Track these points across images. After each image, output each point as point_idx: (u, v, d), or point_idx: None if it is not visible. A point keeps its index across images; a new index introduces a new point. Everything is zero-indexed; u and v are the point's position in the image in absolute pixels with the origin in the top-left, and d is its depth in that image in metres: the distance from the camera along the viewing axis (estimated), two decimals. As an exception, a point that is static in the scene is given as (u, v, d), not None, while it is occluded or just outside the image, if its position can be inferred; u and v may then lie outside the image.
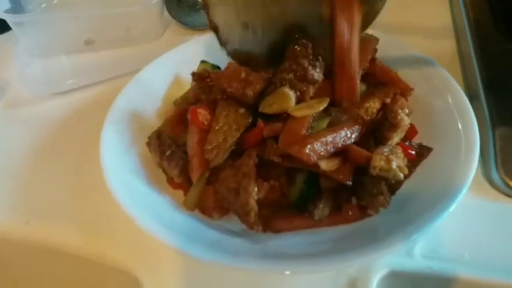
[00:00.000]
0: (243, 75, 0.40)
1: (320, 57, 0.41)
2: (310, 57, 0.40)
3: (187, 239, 0.35)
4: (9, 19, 0.60)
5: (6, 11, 0.62)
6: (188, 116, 0.43)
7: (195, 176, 0.40)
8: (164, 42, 0.66)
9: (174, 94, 0.51)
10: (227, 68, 0.42)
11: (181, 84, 0.52)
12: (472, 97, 0.49)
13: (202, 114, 0.42)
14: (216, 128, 0.40)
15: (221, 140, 0.39)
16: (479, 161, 0.43)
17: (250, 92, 0.40)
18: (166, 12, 0.67)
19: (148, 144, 0.44)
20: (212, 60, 0.52)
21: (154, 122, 0.48)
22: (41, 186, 0.47)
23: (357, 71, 0.40)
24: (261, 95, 0.41)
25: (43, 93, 0.57)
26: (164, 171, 0.43)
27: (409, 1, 0.68)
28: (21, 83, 0.59)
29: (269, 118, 0.41)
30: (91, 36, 0.65)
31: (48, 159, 0.49)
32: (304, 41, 0.41)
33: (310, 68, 0.40)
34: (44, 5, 0.71)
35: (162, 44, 0.65)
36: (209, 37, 0.55)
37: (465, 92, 0.49)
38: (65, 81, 0.58)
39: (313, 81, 0.39)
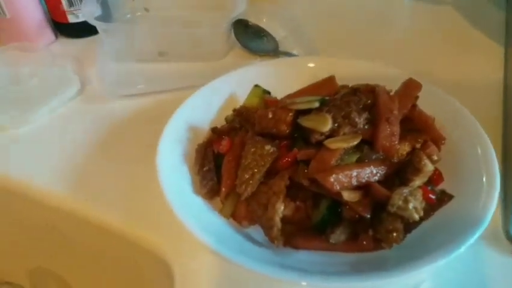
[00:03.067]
0: (270, 115, 0.46)
1: (367, 113, 0.45)
2: (361, 106, 0.45)
3: (220, 241, 0.40)
4: (98, 25, 0.69)
5: (97, 17, 0.72)
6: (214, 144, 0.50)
7: (222, 195, 0.46)
8: (227, 62, 0.72)
9: (227, 110, 0.56)
10: (256, 113, 0.48)
11: (235, 102, 0.58)
12: (506, 159, 0.50)
13: (223, 144, 0.49)
14: (245, 163, 0.45)
15: (249, 176, 0.44)
16: (500, 213, 0.45)
17: (283, 127, 0.45)
18: (232, 35, 0.73)
19: (197, 151, 0.50)
20: (265, 85, 0.58)
21: (207, 131, 0.54)
22: (101, 172, 0.54)
23: (398, 130, 0.44)
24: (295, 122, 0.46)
25: (115, 94, 0.65)
26: (199, 180, 0.49)
27: (459, 51, 0.71)
28: (99, 82, 0.68)
29: (303, 146, 0.45)
30: (165, 49, 0.73)
31: (111, 151, 0.57)
32: (361, 96, 0.46)
33: (356, 113, 0.44)
34: (128, 15, 0.81)
35: (225, 64, 0.72)
36: (266, 64, 0.61)
37: (502, 148, 0.52)
38: (136, 86, 0.66)
39: (352, 124, 0.44)
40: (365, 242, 0.42)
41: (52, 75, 0.68)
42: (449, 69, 0.67)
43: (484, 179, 0.44)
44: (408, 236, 0.41)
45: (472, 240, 0.38)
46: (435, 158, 0.45)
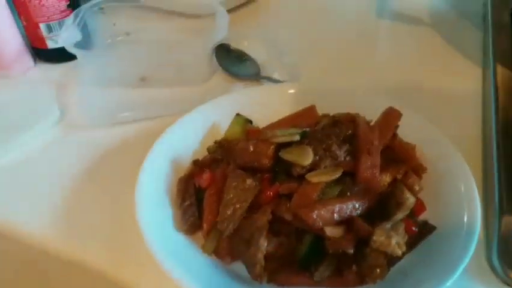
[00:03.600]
0: (251, 148, 0.45)
1: (348, 145, 0.45)
2: (341, 138, 0.45)
3: (200, 279, 0.40)
4: (77, 53, 0.68)
5: (77, 43, 0.71)
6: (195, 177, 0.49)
7: (204, 231, 0.46)
8: (210, 86, 0.72)
9: (209, 140, 0.56)
10: (237, 146, 0.47)
11: (217, 131, 0.57)
12: (487, 181, 0.51)
13: (204, 178, 0.48)
14: (227, 199, 0.44)
15: (231, 212, 0.43)
16: (483, 244, 0.45)
17: (265, 160, 0.45)
18: (214, 59, 0.73)
19: (178, 184, 0.50)
20: (247, 112, 0.57)
21: (188, 163, 0.54)
22: (83, 207, 0.53)
23: (378, 161, 0.44)
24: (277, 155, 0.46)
25: (96, 122, 0.64)
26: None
27: (439, 73, 0.72)
28: (79, 110, 0.67)
29: (285, 179, 0.45)
30: (146, 74, 0.72)
31: (92, 184, 0.56)
32: (342, 127, 0.46)
33: (336, 146, 0.44)
34: (109, 40, 0.80)
35: (208, 88, 0.71)
36: (247, 92, 0.61)
37: (482, 174, 0.52)
38: (119, 113, 0.65)
39: (333, 156, 0.44)
40: (349, 278, 0.41)
41: (31, 103, 0.67)
42: (429, 91, 0.68)
43: (465, 208, 0.44)
44: (392, 269, 0.41)
45: (456, 275, 0.38)
46: (416, 188, 0.45)
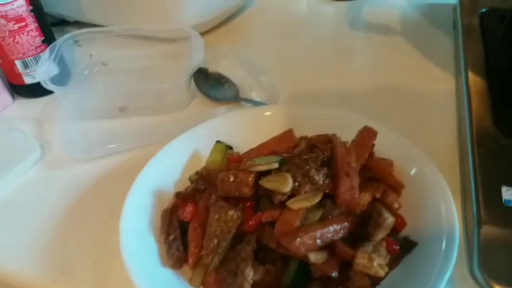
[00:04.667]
0: (231, 178, 0.46)
1: (326, 168, 0.46)
2: (319, 163, 0.46)
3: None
4: (54, 89, 0.68)
5: (54, 76, 0.71)
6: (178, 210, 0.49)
7: (190, 265, 0.46)
8: (190, 112, 0.73)
9: (191, 169, 0.56)
10: (217, 176, 0.47)
11: (198, 159, 0.58)
12: (465, 192, 0.52)
13: (186, 211, 0.49)
14: (210, 231, 0.45)
15: (215, 245, 0.44)
16: (465, 256, 0.46)
17: (245, 189, 0.46)
18: (193, 84, 0.74)
19: (162, 217, 0.50)
20: (227, 138, 0.58)
21: (171, 195, 0.54)
22: (68, 245, 0.53)
23: (357, 182, 0.45)
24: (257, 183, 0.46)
25: (79, 157, 0.64)
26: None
27: (413, 84, 0.73)
28: (60, 145, 0.67)
29: (268, 205, 0.46)
30: (125, 103, 0.72)
31: (77, 221, 0.56)
32: (319, 152, 0.47)
33: (314, 171, 0.45)
34: (87, 71, 0.80)
35: (188, 114, 0.72)
36: (226, 118, 0.62)
37: (460, 185, 0.53)
38: (100, 147, 0.65)
39: (312, 182, 0.44)
40: (336, 300, 0.42)
41: (10, 142, 0.67)
42: (404, 101, 0.69)
43: (444, 221, 0.45)
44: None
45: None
46: (396, 206, 0.46)
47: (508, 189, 0.50)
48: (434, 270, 0.41)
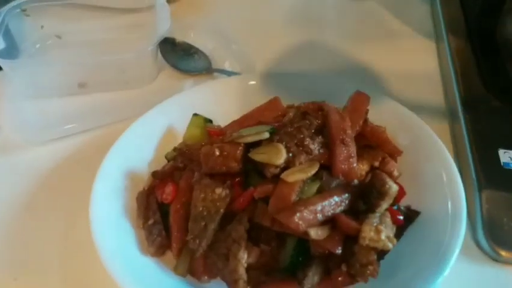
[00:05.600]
0: (217, 152, 0.41)
1: (320, 136, 0.42)
2: (313, 130, 0.41)
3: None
4: (2, 64, 0.61)
5: (1, 51, 0.63)
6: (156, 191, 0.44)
7: (174, 252, 0.41)
8: (157, 86, 0.66)
9: (166, 146, 0.51)
10: (200, 151, 0.42)
11: (173, 135, 0.52)
12: (459, 159, 0.50)
13: (166, 192, 0.43)
14: (195, 213, 0.40)
15: (202, 228, 0.39)
16: (467, 223, 0.43)
17: (233, 164, 0.41)
18: (159, 56, 0.68)
19: (137, 200, 0.45)
20: (205, 111, 0.53)
21: (146, 175, 0.48)
22: (30, 239, 0.46)
23: (354, 150, 0.41)
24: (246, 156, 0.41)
25: (35, 140, 0.57)
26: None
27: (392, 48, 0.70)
28: (12, 128, 0.59)
29: (259, 180, 0.41)
30: (85, 79, 0.65)
31: (38, 211, 0.49)
32: (311, 119, 0.42)
33: (309, 139, 0.40)
34: (38, 45, 0.72)
35: (156, 88, 0.66)
36: (203, 88, 0.56)
37: (453, 153, 0.51)
38: (58, 127, 0.58)
39: (307, 152, 0.40)
40: (340, 278, 0.38)
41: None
42: (385, 69, 0.66)
43: (447, 189, 0.42)
44: (382, 264, 0.38)
45: (450, 264, 0.36)
46: (396, 174, 0.43)
47: (505, 152, 0.48)
48: (443, 240, 0.38)
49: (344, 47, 0.71)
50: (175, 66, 0.68)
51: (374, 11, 0.79)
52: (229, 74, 0.65)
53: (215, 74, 0.66)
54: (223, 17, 0.79)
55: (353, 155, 0.41)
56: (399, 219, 0.41)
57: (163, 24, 0.65)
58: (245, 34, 0.74)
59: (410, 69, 0.66)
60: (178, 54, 0.69)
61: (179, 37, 0.70)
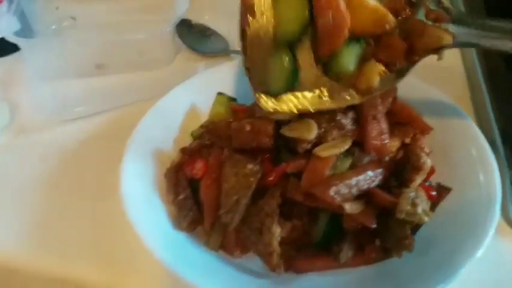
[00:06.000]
0: (247, 128, 0.41)
1: (353, 111, 0.41)
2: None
3: (211, 278, 0.35)
4: (20, 42, 0.60)
5: (16, 33, 0.62)
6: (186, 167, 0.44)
7: (207, 226, 0.41)
8: (175, 67, 0.66)
9: (190, 125, 0.50)
10: (231, 127, 0.42)
11: (197, 114, 0.52)
12: (487, 136, 0.49)
13: (197, 168, 0.43)
14: (228, 188, 0.40)
15: (234, 202, 0.39)
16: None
17: (265, 140, 0.40)
18: (177, 38, 0.67)
19: (166, 177, 0.44)
20: (227, 90, 0.52)
21: (172, 152, 0.48)
22: (56, 216, 0.46)
23: (386, 126, 0.41)
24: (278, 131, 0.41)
25: (54, 119, 0.57)
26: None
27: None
28: (32, 108, 0.58)
29: (289, 156, 0.41)
30: (102, 60, 0.64)
31: (63, 188, 0.49)
32: None
33: (341, 114, 0.40)
34: (54, 26, 0.71)
35: (173, 70, 0.65)
36: (226, 68, 0.56)
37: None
38: (77, 107, 0.58)
39: (340, 126, 0.40)
40: (372, 254, 0.38)
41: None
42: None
43: (478, 167, 0.42)
44: (416, 240, 0.38)
45: (486, 241, 0.36)
46: (427, 150, 0.43)
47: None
48: (478, 217, 0.38)
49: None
50: (193, 48, 0.67)
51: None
52: (247, 55, 0.64)
53: (232, 55, 0.65)
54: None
55: (385, 131, 0.41)
56: (433, 194, 0.40)
57: (182, 5, 0.64)
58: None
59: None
60: (195, 36, 0.69)
61: (194, 19, 0.70)
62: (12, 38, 0.58)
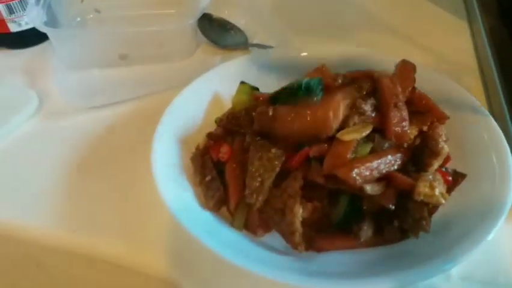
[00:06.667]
0: (271, 112, 0.43)
1: (373, 98, 0.43)
2: (364, 93, 0.43)
3: (241, 254, 0.37)
4: (50, 32, 0.62)
5: (44, 24, 0.64)
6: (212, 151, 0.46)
7: (232, 206, 0.43)
8: (196, 60, 0.68)
9: (214, 112, 0.52)
10: (256, 112, 0.45)
11: (220, 102, 0.54)
12: (500, 125, 0.51)
13: (223, 151, 0.46)
14: (253, 170, 0.42)
15: (259, 184, 0.41)
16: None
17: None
18: (198, 31, 0.69)
19: (193, 160, 0.46)
20: (249, 80, 0.54)
21: (197, 138, 0.50)
22: (84, 195, 0.48)
23: (407, 115, 0.42)
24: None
25: (81, 107, 0.59)
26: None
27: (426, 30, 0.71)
28: (59, 96, 0.61)
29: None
30: (125, 51, 0.67)
31: (91, 169, 0.51)
32: (361, 83, 0.44)
33: (362, 101, 0.42)
34: (79, 19, 0.73)
35: (194, 62, 0.67)
36: (248, 59, 0.58)
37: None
38: (102, 95, 0.60)
39: (361, 112, 0.42)
40: (390, 235, 0.40)
41: (2, 94, 0.61)
42: (421, 48, 0.67)
43: (493, 153, 0.44)
44: (432, 222, 0.40)
45: (501, 221, 0.37)
46: (444, 138, 0.44)
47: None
48: (491, 202, 0.40)
49: (376, 27, 0.73)
50: (213, 41, 0.69)
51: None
52: (265, 48, 0.66)
53: (251, 48, 0.67)
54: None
55: (405, 118, 0.42)
56: (449, 179, 0.42)
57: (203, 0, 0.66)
58: (279, 11, 0.75)
59: (446, 50, 0.67)
60: (215, 30, 0.70)
61: (215, 14, 0.72)
62: (43, 28, 0.60)
